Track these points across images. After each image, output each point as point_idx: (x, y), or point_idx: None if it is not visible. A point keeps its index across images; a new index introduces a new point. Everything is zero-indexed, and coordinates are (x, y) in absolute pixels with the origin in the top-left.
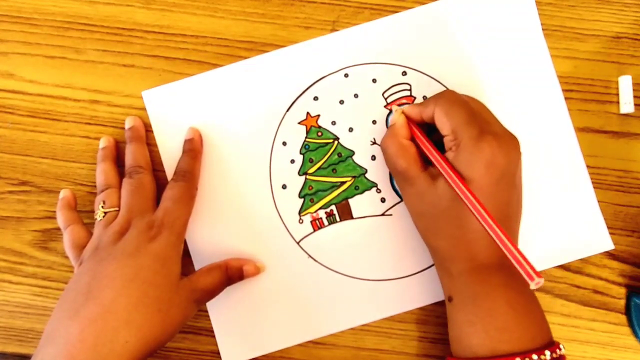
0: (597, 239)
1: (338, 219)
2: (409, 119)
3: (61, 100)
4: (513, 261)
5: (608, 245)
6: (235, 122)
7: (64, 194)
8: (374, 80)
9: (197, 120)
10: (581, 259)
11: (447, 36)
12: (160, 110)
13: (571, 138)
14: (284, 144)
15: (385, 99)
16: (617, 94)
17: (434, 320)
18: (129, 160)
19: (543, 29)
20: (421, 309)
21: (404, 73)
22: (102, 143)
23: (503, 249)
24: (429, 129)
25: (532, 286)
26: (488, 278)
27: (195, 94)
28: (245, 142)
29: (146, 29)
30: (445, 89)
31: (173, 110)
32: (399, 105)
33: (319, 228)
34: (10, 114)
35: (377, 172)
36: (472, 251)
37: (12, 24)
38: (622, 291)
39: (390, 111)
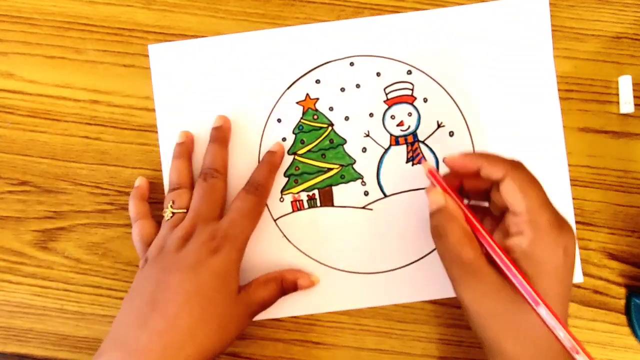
0: None
1: (319, 204)
2: (454, 169)
3: (61, 100)
4: None
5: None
6: (235, 90)
7: (139, 182)
8: (378, 74)
9: (199, 83)
10: (581, 259)
11: (458, 43)
12: (163, 67)
13: (560, 145)
14: (279, 120)
15: (386, 94)
16: (617, 94)
17: (434, 321)
18: (207, 160)
19: None
20: (422, 308)
21: (409, 72)
22: (180, 138)
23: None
24: None
25: None
26: None
27: (201, 56)
28: (240, 113)
29: (146, 29)
30: (451, 100)
31: (177, 69)
32: (395, 103)
33: (298, 210)
34: (10, 114)
35: (365, 164)
36: (554, 353)
37: (12, 24)
38: (622, 291)
39: (389, 107)
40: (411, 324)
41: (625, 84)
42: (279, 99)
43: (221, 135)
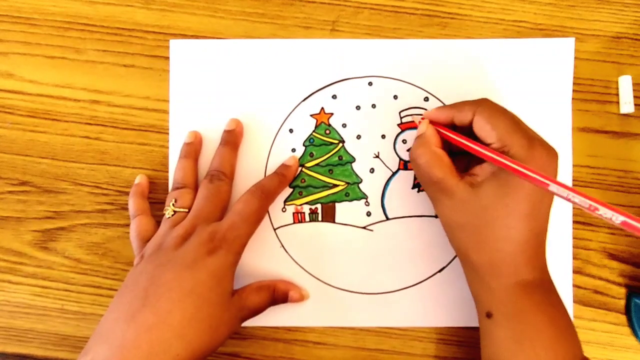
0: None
1: (320, 218)
2: (436, 123)
3: (61, 100)
4: (617, 222)
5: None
6: (251, 95)
7: (139, 179)
8: (395, 97)
9: (216, 83)
10: (581, 259)
11: (478, 75)
12: (182, 63)
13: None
14: (291, 131)
15: (401, 118)
16: (617, 94)
17: None
18: (215, 162)
19: (542, 29)
20: None
21: (426, 99)
22: (189, 138)
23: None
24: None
25: None
26: (532, 294)
27: (221, 57)
28: (254, 118)
29: (146, 29)
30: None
31: (196, 67)
32: (409, 128)
33: (299, 221)
34: (10, 114)
35: (371, 185)
36: (516, 265)
37: (12, 24)
38: (622, 291)
39: (402, 131)
40: None
41: (625, 84)
42: (293, 109)
43: (232, 139)
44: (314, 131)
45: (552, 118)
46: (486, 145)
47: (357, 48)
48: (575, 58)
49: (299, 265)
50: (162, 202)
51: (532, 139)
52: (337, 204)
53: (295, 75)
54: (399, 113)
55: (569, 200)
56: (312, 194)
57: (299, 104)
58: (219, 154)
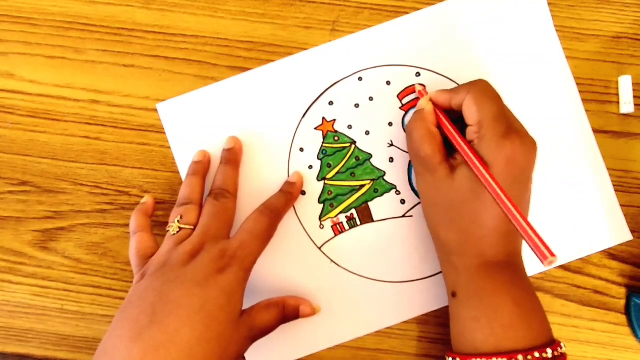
0: (616, 231)
1: (359, 222)
2: (435, 104)
3: (61, 100)
4: (527, 240)
5: (627, 236)
6: (252, 130)
7: (146, 199)
8: (388, 83)
9: (213, 132)
10: (581, 259)
11: (458, 35)
12: (175, 122)
13: (587, 132)
14: (302, 150)
15: (400, 100)
16: (617, 94)
17: (433, 321)
18: (218, 181)
19: None
20: None
21: (418, 74)
22: (197, 157)
23: (517, 227)
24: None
25: (545, 265)
26: (495, 275)
27: (209, 105)
28: (262, 150)
29: (146, 29)
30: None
31: (188, 122)
32: (412, 107)
33: (340, 232)
34: (10, 114)
35: (395, 174)
36: (482, 247)
37: (12, 24)
38: (622, 291)
39: (406, 112)
40: (411, 324)
41: (625, 84)
42: (296, 129)
43: (233, 157)
44: (323, 142)
45: (543, 60)
46: (467, 125)
47: (334, 50)
48: (575, 58)
49: (356, 274)
50: (162, 202)
51: (510, 129)
52: (370, 203)
53: (286, 96)
54: (397, 96)
55: (497, 202)
56: (343, 202)
57: (299, 122)
58: (221, 172)
